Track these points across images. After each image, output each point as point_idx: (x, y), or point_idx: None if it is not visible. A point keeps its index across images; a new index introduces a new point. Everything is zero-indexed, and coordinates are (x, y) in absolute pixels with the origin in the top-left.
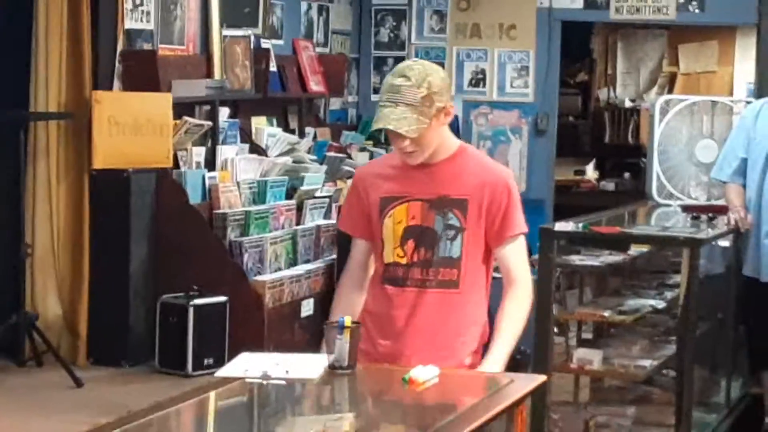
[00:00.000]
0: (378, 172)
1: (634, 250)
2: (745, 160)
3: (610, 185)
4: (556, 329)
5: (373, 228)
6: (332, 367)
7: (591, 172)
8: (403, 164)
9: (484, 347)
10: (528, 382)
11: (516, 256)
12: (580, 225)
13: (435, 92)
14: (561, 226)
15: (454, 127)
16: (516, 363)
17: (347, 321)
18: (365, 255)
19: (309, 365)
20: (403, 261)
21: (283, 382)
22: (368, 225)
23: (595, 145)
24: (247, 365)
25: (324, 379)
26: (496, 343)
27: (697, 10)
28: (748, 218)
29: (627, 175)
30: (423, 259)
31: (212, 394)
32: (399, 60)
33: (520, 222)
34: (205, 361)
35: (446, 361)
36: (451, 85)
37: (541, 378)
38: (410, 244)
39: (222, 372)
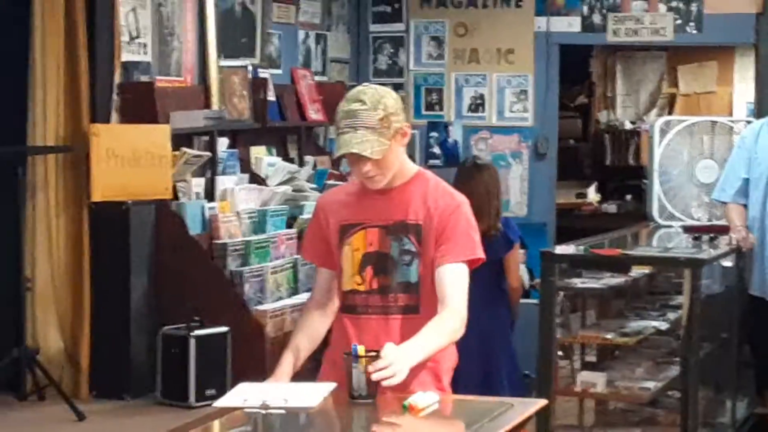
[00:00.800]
0: (338, 199)
1: (636, 271)
2: (746, 181)
3: (612, 207)
4: (560, 353)
5: (334, 256)
6: (352, 397)
7: (593, 195)
8: (362, 190)
9: (455, 371)
10: (528, 406)
11: (450, 282)
12: (581, 248)
13: (391, 113)
14: (562, 249)
15: (454, 153)
16: (523, 387)
17: (361, 350)
18: (329, 282)
19: (308, 394)
20: (362, 288)
21: (283, 412)
22: (330, 253)
23: (596, 168)
24: (246, 395)
25: (323, 407)
26: (411, 340)
27: (694, 31)
28: (750, 238)
29: (629, 197)
30: (381, 285)
31: (211, 425)
32: (398, 87)
33: (463, 248)
34: (207, 392)
35: (417, 386)
36: (405, 106)
37: (542, 402)
38: (369, 270)
39: (221, 402)
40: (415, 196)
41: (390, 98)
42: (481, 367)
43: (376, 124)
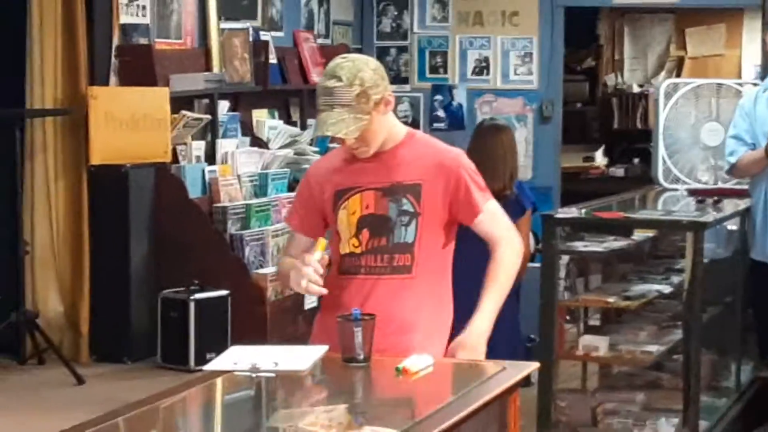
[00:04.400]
0: (330, 166)
1: (639, 235)
2: (753, 146)
3: (619, 171)
4: (567, 317)
5: (328, 221)
6: (347, 361)
7: (600, 159)
8: (353, 156)
9: (451, 335)
10: (520, 369)
11: (490, 222)
12: (583, 211)
13: (369, 87)
14: (563, 212)
15: (458, 116)
16: (526, 350)
17: (361, 314)
18: (306, 249)
19: (299, 357)
20: (358, 250)
21: (273, 375)
22: (316, 222)
23: (603, 132)
24: (237, 358)
25: (314, 370)
26: (479, 308)
27: None
28: None
29: (636, 160)
30: (377, 246)
31: (200, 388)
32: (402, 50)
33: (481, 195)
34: (207, 356)
35: (398, 347)
36: (384, 74)
37: (534, 365)
38: (365, 233)
39: (211, 366)
40: (409, 157)
41: (367, 70)
42: None
43: (353, 100)
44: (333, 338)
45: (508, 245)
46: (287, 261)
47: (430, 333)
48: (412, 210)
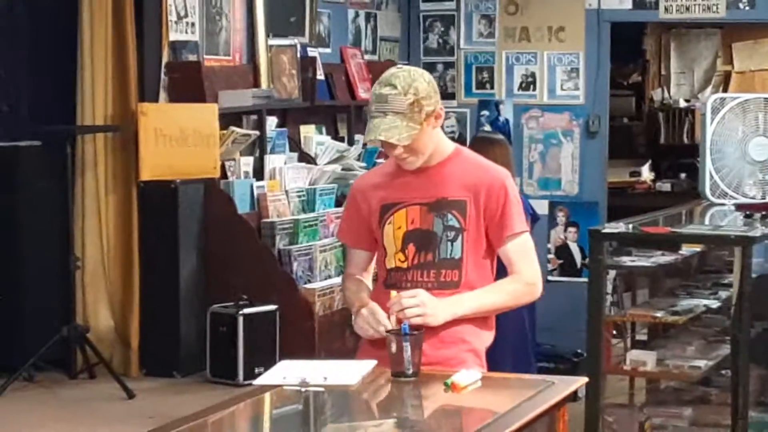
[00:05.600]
0: (374, 181)
1: (686, 250)
2: None
3: (666, 186)
4: (614, 332)
5: (375, 236)
6: (396, 375)
7: (646, 174)
8: (399, 170)
9: (490, 351)
10: (568, 384)
11: (517, 254)
12: (630, 226)
13: (422, 97)
14: (610, 227)
15: (505, 131)
16: (573, 365)
17: (409, 329)
18: (365, 263)
19: (348, 372)
20: (405, 265)
21: (322, 389)
22: (367, 236)
23: (650, 146)
24: (286, 373)
25: (363, 385)
26: (465, 294)
27: (747, 8)
28: None
29: (683, 175)
30: (424, 261)
31: (249, 402)
32: (449, 65)
33: (519, 221)
34: (256, 370)
35: (443, 360)
36: (437, 88)
37: (582, 380)
38: (411, 248)
39: (260, 380)
40: (455, 173)
41: (422, 81)
42: None
43: (406, 109)
44: (379, 353)
45: (526, 281)
46: (351, 287)
47: (474, 347)
48: (458, 225)
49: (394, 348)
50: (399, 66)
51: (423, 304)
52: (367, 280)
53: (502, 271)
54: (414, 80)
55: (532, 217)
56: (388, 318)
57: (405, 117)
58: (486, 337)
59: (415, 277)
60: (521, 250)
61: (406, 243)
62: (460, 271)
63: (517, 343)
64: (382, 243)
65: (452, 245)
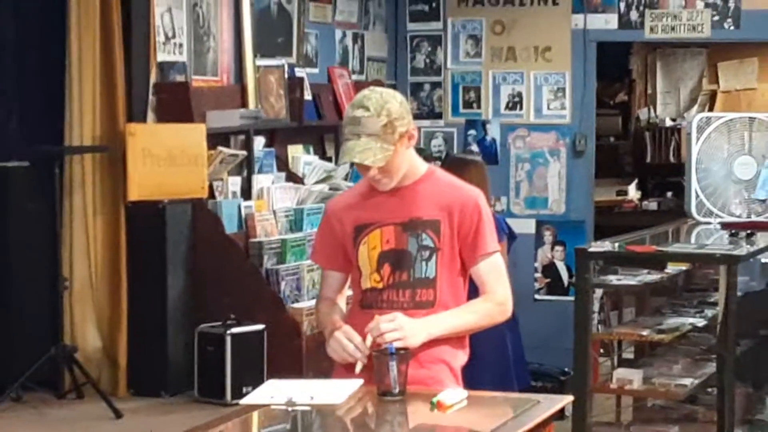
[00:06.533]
0: (348, 202)
1: (672, 268)
2: None
3: (652, 205)
4: (601, 350)
5: (350, 257)
6: (383, 394)
7: (633, 192)
8: (373, 191)
9: (464, 369)
10: (554, 402)
11: (489, 274)
12: (616, 245)
13: (395, 118)
14: (596, 246)
15: (492, 151)
16: (560, 383)
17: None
18: (340, 284)
19: (334, 391)
20: (380, 285)
21: (308, 408)
22: (342, 257)
23: (636, 166)
24: (273, 392)
25: (350, 404)
26: (441, 315)
27: (732, 27)
28: None
29: (669, 194)
30: (399, 281)
31: (237, 422)
32: (436, 85)
33: (491, 240)
34: (244, 390)
35: (425, 380)
36: (409, 108)
37: (568, 398)
38: (387, 268)
39: (247, 399)
40: (429, 193)
41: (394, 103)
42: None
43: (380, 130)
44: (354, 376)
45: (498, 301)
46: (324, 310)
47: (452, 366)
48: (432, 245)
49: (380, 368)
50: (371, 88)
51: (401, 328)
52: (341, 302)
53: (472, 291)
54: (386, 102)
55: (509, 236)
56: (364, 341)
57: (379, 138)
58: (461, 357)
59: (391, 297)
60: (494, 270)
61: (381, 263)
62: (435, 290)
63: (495, 361)
64: (357, 264)
65: (426, 264)
